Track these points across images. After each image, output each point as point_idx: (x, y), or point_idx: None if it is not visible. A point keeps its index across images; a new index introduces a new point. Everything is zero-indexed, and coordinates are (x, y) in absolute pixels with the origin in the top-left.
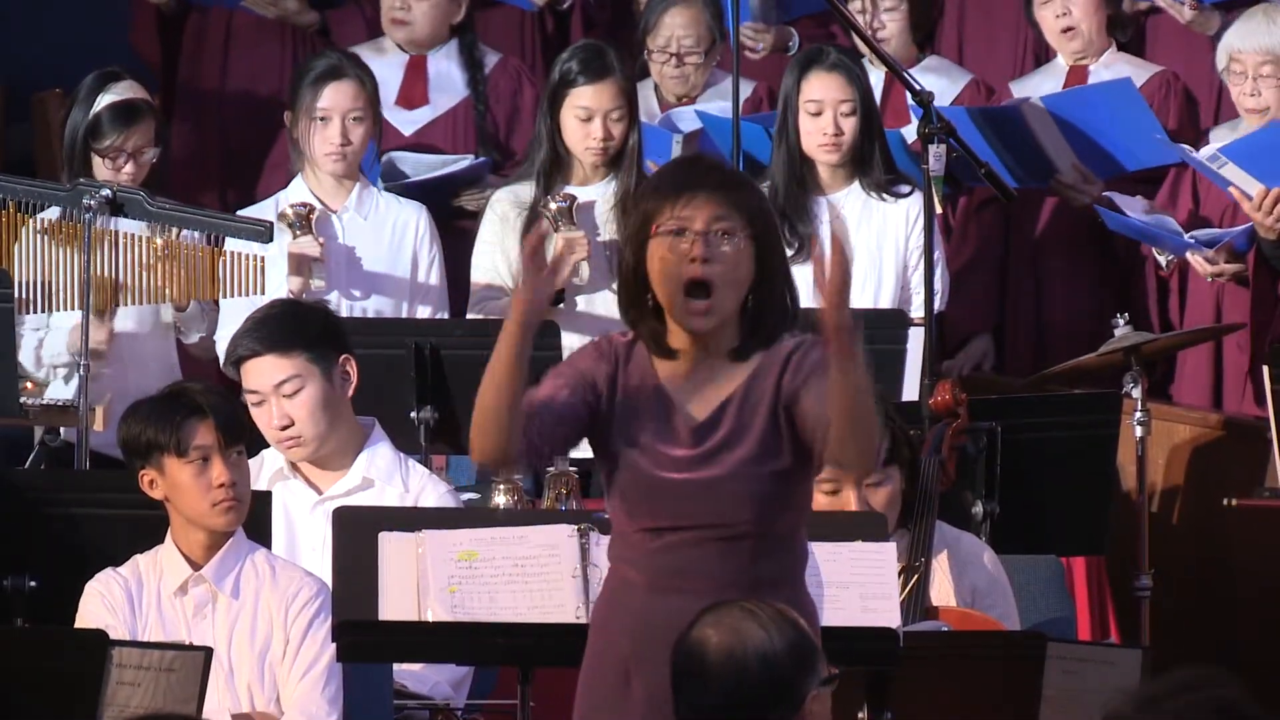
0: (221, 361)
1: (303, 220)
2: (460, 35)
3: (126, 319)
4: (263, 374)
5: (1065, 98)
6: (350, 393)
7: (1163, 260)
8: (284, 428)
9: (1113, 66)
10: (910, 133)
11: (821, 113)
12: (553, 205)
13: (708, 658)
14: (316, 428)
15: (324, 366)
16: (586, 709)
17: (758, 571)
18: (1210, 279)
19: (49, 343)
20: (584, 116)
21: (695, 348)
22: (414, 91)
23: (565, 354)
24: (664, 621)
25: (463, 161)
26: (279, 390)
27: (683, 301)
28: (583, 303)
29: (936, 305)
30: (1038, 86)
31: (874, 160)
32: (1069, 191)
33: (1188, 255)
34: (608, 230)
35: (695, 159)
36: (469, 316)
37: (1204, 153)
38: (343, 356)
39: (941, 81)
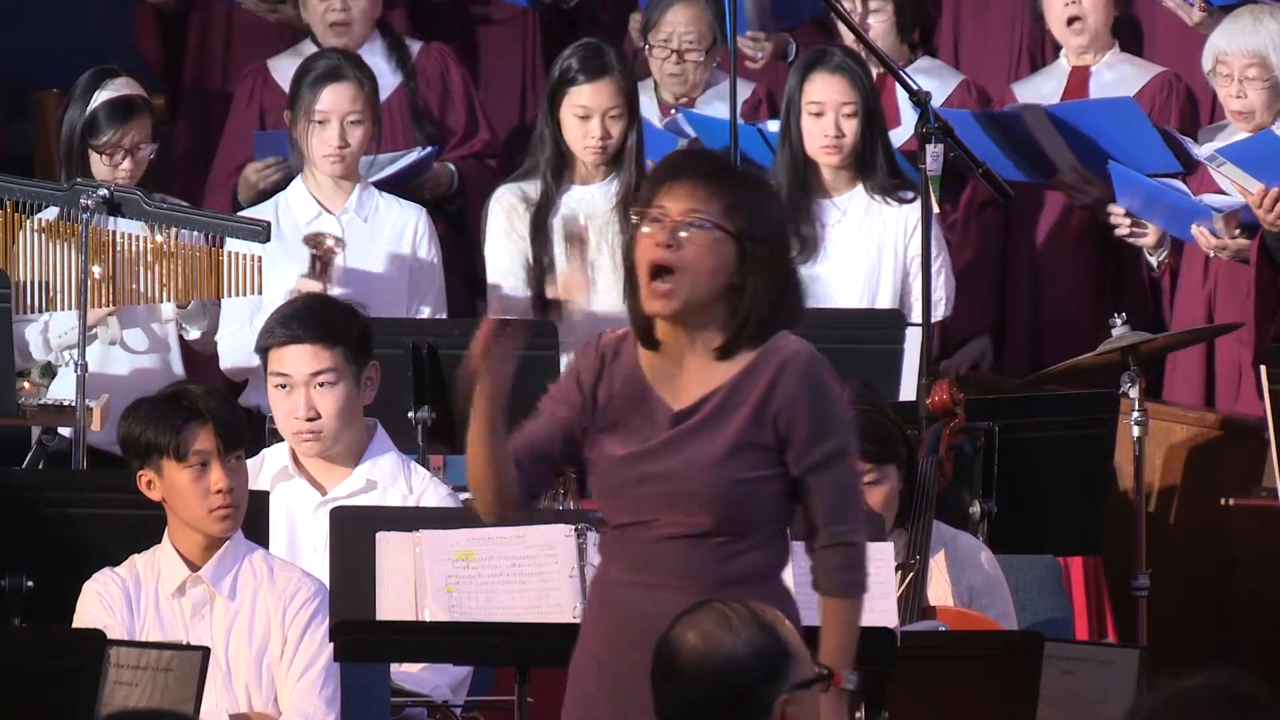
0: (253, 346)
1: (321, 263)
2: (381, 27)
3: (126, 319)
4: (301, 361)
5: (1066, 108)
6: (370, 400)
7: (1154, 261)
8: (309, 419)
9: (1115, 68)
10: (899, 136)
11: (823, 114)
12: (569, 229)
13: (678, 660)
14: (337, 426)
15: (356, 370)
16: (567, 700)
17: (724, 571)
18: (1212, 254)
19: (55, 323)
20: (582, 115)
21: (680, 341)
22: None
23: (562, 353)
24: (639, 613)
25: (411, 155)
26: (313, 380)
27: (647, 283)
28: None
29: (941, 313)
30: (1039, 88)
31: (877, 163)
32: (1070, 190)
33: (1191, 229)
34: (611, 233)
35: (693, 150)
36: (490, 312)
37: (1203, 151)
38: (371, 363)
39: (933, 83)
